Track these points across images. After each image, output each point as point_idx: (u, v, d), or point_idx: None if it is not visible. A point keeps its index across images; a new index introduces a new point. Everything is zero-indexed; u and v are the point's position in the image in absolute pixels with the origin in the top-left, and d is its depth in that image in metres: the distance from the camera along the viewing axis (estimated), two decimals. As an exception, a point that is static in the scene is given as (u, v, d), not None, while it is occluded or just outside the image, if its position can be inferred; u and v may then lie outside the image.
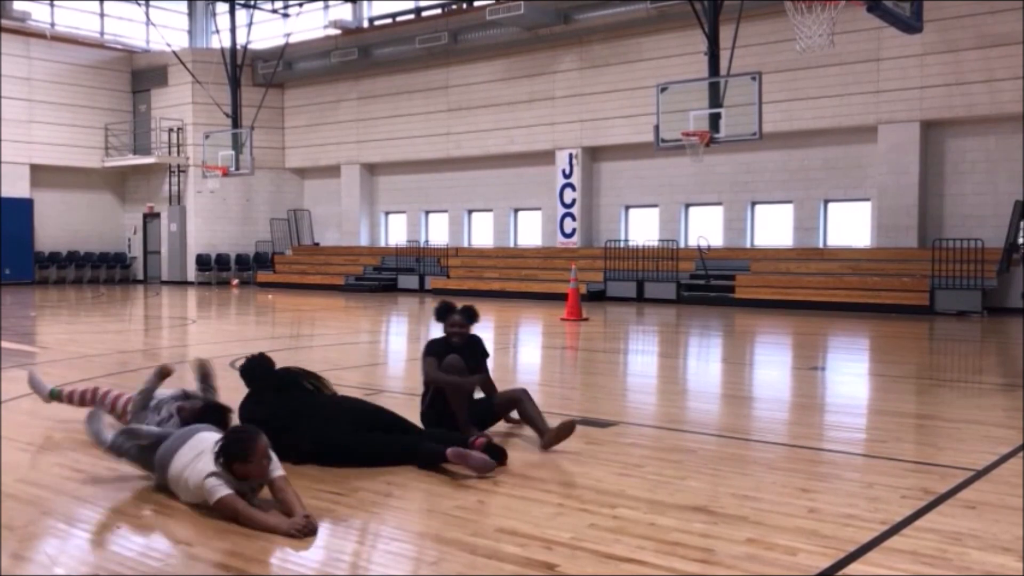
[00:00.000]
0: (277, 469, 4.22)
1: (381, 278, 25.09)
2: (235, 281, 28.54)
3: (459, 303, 6.08)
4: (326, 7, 28.90)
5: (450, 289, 22.64)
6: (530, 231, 24.81)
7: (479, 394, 5.88)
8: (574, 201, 23.32)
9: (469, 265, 23.88)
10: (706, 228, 21.38)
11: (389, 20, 27.32)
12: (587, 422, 6.37)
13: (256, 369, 5.40)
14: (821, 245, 20.11)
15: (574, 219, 23.36)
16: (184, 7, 31.69)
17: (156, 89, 29.90)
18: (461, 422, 5.47)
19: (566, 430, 5.42)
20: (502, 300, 19.97)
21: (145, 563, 3.57)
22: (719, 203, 21.46)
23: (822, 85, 19.16)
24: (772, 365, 10.66)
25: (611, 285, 20.79)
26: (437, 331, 5.85)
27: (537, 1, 21.88)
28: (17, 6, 27.36)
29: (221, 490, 4.06)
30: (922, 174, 18.47)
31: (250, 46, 26.89)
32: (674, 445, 5.75)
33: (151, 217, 30.32)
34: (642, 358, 11.55)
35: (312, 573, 3.51)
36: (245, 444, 4.14)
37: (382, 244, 27.96)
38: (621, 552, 3.65)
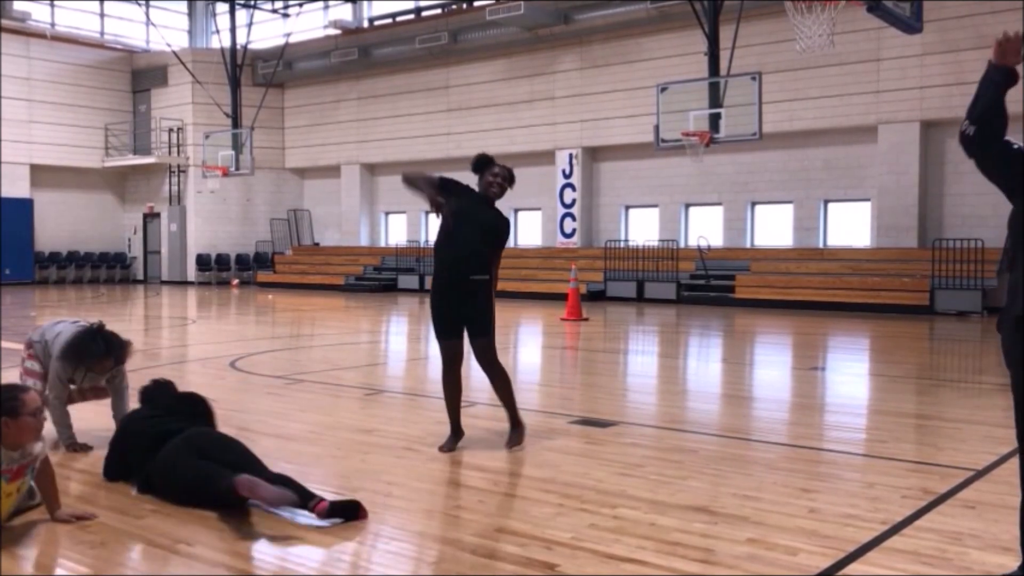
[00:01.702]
0: (44, 448, 4.01)
1: (381, 278, 25.09)
2: (235, 281, 28.53)
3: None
4: (326, 7, 28.90)
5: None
6: (530, 231, 24.83)
7: None
8: (574, 201, 23.32)
9: (469, 265, 23.82)
10: (706, 228, 21.37)
11: (389, 20, 27.31)
12: (587, 422, 6.37)
13: (154, 391, 5.07)
14: (821, 245, 20.11)
15: (574, 219, 23.36)
16: (184, 7, 31.69)
17: (156, 89, 29.89)
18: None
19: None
20: (502, 300, 19.84)
21: (145, 562, 3.57)
22: (719, 203, 21.46)
23: (822, 85, 19.15)
24: (772, 365, 10.66)
25: (611, 285, 20.79)
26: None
27: (537, 1, 21.87)
28: (17, 6, 27.36)
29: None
30: (922, 174, 18.46)
31: (250, 46, 26.90)
32: (674, 445, 5.74)
33: (151, 217, 30.32)
34: (642, 358, 11.55)
35: (312, 573, 3.51)
36: (13, 394, 3.85)
37: (382, 244, 27.96)
38: (621, 552, 3.65)
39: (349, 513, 4.07)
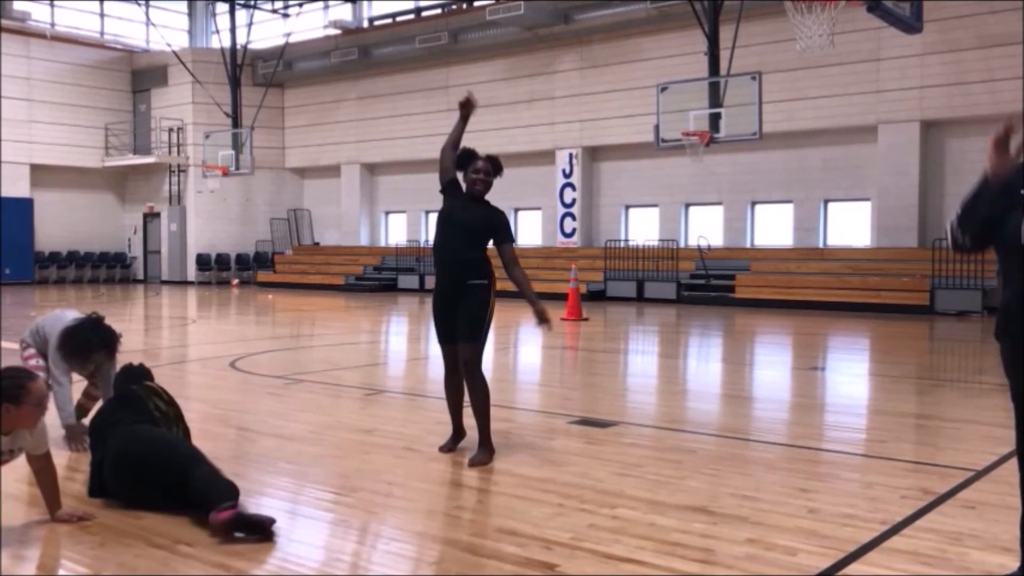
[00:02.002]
0: (45, 444, 4.01)
1: (381, 278, 25.09)
2: (235, 281, 28.53)
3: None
4: (326, 7, 28.90)
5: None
6: (530, 231, 24.83)
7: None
8: (574, 201, 23.32)
9: (469, 265, 23.83)
10: (706, 228, 21.37)
11: (389, 20, 27.32)
12: (587, 422, 6.37)
13: (125, 378, 4.94)
14: (821, 245, 20.11)
15: (574, 219, 23.35)
16: (184, 7, 31.69)
17: (156, 89, 29.89)
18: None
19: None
20: (502, 300, 19.87)
21: (145, 562, 3.57)
22: (719, 203, 21.46)
23: (822, 85, 19.15)
24: (772, 365, 10.66)
25: (611, 285, 20.78)
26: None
27: (537, 1, 21.87)
28: (17, 6, 27.36)
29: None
30: (922, 174, 18.46)
31: (250, 46, 26.90)
32: (674, 445, 5.74)
33: (151, 217, 30.31)
34: (642, 358, 11.55)
35: (312, 573, 3.51)
36: (19, 382, 3.83)
37: (382, 244, 27.96)
38: (621, 552, 3.65)
39: (256, 531, 3.83)
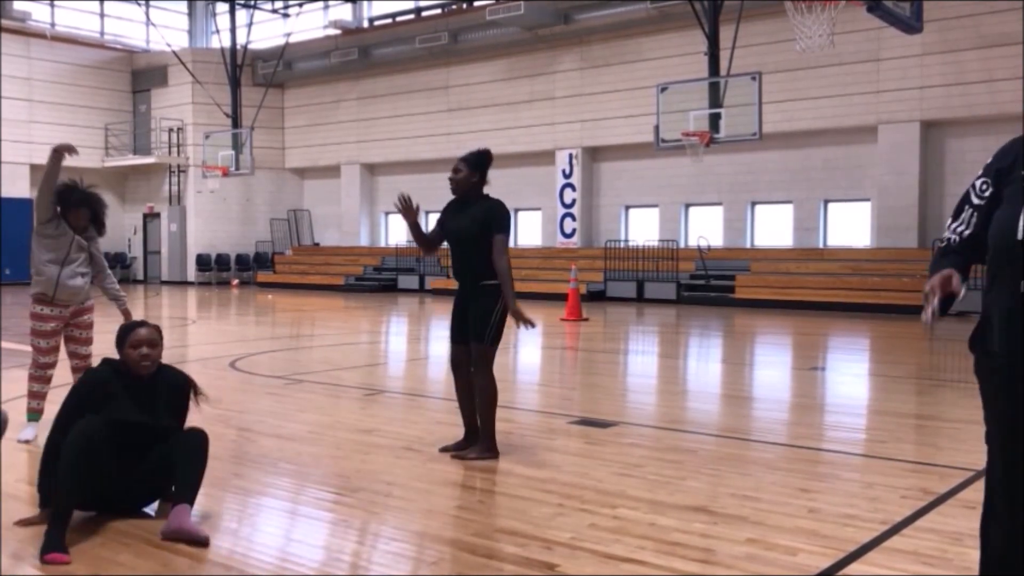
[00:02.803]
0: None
1: (381, 278, 25.09)
2: (235, 281, 28.53)
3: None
4: (326, 7, 28.91)
5: (451, 289, 22.55)
6: (530, 231, 24.83)
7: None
8: (574, 201, 23.32)
9: (469, 265, 23.81)
10: (706, 228, 21.38)
11: (389, 20, 27.33)
12: (587, 422, 6.37)
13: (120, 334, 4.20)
14: (821, 245, 20.11)
15: (574, 219, 23.36)
16: (184, 7, 31.70)
17: (156, 89, 29.90)
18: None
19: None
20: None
21: (145, 562, 3.57)
22: (719, 203, 21.46)
23: (822, 85, 19.16)
24: (772, 365, 10.66)
25: (611, 285, 20.79)
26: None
27: (537, 1, 21.88)
28: (17, 6, 27.36)
29: None
30: (922, 174, 18.46)
31: (250, 46, 26.90)
32: (674, 445, 5.75)
33: (151, 217, 30.31)
34: (642, 358, 11.55)
35: (312, 573, 3.51)
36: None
37: (382, 244, 27.96)
38: (621, 552, 3.65)
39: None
